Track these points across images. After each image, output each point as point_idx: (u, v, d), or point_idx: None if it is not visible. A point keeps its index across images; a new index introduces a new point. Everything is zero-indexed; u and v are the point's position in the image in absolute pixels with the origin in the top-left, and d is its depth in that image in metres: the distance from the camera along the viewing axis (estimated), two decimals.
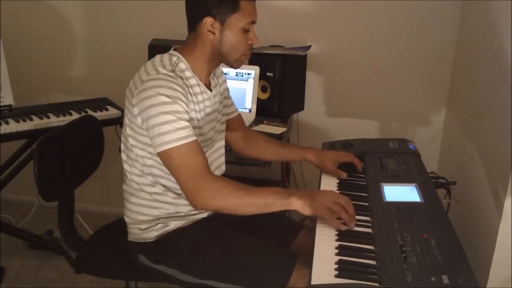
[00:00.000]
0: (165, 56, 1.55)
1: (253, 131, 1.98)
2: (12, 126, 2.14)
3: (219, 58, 1.57)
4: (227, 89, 1.80)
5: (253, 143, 1.89)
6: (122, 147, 1.62)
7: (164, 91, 1.44)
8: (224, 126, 1.77)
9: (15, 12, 2.80)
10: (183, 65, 1.54)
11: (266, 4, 2.55)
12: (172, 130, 1.43)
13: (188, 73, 1.55)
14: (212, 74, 1.67)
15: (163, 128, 1.43)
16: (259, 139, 1.91)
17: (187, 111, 1.48)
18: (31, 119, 2.20)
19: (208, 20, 1.49)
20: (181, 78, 1.51)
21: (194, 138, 1.47)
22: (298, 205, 1.43)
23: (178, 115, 1.44)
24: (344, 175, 1.77)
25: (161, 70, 1.49)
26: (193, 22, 1.53)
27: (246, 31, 1.53)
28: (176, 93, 1.45)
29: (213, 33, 1.51)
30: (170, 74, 1.48)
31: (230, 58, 1.57)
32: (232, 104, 1.85)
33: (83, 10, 2.78)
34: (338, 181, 1.76)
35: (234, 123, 1.85)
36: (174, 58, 1.54)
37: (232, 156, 2.01)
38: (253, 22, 1.54)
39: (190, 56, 1.56)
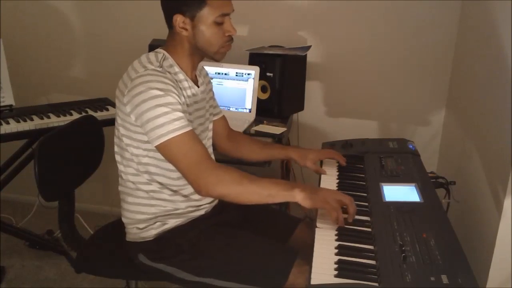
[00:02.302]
0: (151, 54, 1.56)
1: (237, 132, 1.99)
2: (12, 126, 2.14)
3: (199, 52, 1.57)
4: (212, 90, 1.81)
5: (237, 144, 1.90)
6: (116, 149, 1.62)
7: (155, 85, 1.45)
8: (211, 125, 1.77)
9: (15, 12, 2.80)
10: (170, 60, 1.56)
11: (267, 4, 2.55)
12: (168, 121, 1.43)
13: (175, 68, 1.56)
14: (198, 72, 1.68)
15: (158, 121, 1.43)
16: (244, 140, 1.92)
17: (179, 102, 1.48)
18: (32, 119, 2.21)
19: (178, 18, 1.50)
20: (169, 73, 1.53)
21: (190, 127, 1.48)
22: (300, 197, 1.44)
23: (172, 106, 1.45)
24: (324, 172, 1.80)
25: (149, 66, 1.50)
26: (168, 20, 1.54)
27: (219, 23, 1.52)
28: (167, 86, 1.46)
29: (186, 29, 1.52)
30: (158, 69, 1.50)
31: (208, 51, 1.56)
32: (217, 105, 1.86)
33: (83, 10, 2.78)
34: (337, 181, 1.76)
35: (219, 125, 1.86)
36: (160, 55, 1.55)
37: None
38: (226, 14, 1.53)
39: (173, 53, 1.57)
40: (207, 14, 1.50)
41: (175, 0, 1.50)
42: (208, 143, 1.75)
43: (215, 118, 1.84)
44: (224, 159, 1.91)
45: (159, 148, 1.47)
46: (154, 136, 1.45)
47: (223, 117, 1.89)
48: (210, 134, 1.77)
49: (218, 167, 1.48)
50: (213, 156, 1.77)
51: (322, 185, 1.73)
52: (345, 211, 1.45)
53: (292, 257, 1.51)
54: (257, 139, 1.98)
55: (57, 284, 2.47)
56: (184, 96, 1.55)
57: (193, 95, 1.60)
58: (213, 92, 1.82)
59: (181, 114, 1.46)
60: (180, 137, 1.44)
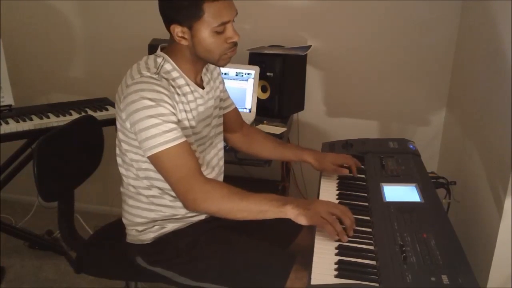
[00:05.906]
0: (151, 58, 1.53)
1: (252, 128, 1.95)
2: (12, 126, 2.14)
3: (201, 59, 1.53)
4: (222, 82, 1.76)
5: (251, 139, 1.87)
6: (117, 151, 1.61)
7: (147, 95, 1.42)
8: (221, 120, 1.74)
9: (15, 12, 2.80)
10: (169, 66, 1.52)
11: (266, 4, 2.55)
12: (159, 133, 1.41)
13: (175, 74, 1.52)
14: (204, 70, 1.64)
15: (149, 132, 1.41)
16: (258, 136, 1.89)
17: (173, 112, 1.45)
18: (31, 119, 2.20)
19: (176, 28, 1.46)
20: (166, 79, 1.49)
21: (183, 139, 1.45)
22: (292, 214, 1.41)
23: (164, 117, 1.42)
24: (346, 171, 1.76)
25: (145, 73, 1.46)
26: (166, 27, 1.50)
27: (219, 32, 1.46)
28: (159, 95, 1.43)
29: (185, 39, 1.47)
30: (154, 76, 1.46)
31: (210, 59, 1.52)
32: (229, 97, 1.81)
33: (83, 10, 2.78)
34: (337, 181, 1.76)
35: (231, 117, 1.82)
36: (159, 60, 1.52)
37: (232, 156, 2.00)
38: (226, 23, 1.45)
39: (174, 57, 1.53)
40: (205, 24, 1.43)
41: (172, 10, 1.45)
42: (219, 139, 1.72)
43: (227, 111, 1.79)
44: (227, 159, 1.91)
45: (151, 159, 1.45)
46: (146, 147, 1.43)
47: (235, 110, 1.83)
48: (221, 129, 1.74)
49: (208, 182, 1.46)
50: (222, 153, 1.75)
51: (322, 186, 1.73)
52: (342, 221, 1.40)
53: (290, 262, 1.49)
54: (272, 136, 1.94)
55: (57, 284, 2.47)
56: (183, 103, 1.52)
57: (197, 98, 1.57)
58: (223, 85, 1.77)
59: (173, 126, 1.43)
60: (170, 150, 1.42)
